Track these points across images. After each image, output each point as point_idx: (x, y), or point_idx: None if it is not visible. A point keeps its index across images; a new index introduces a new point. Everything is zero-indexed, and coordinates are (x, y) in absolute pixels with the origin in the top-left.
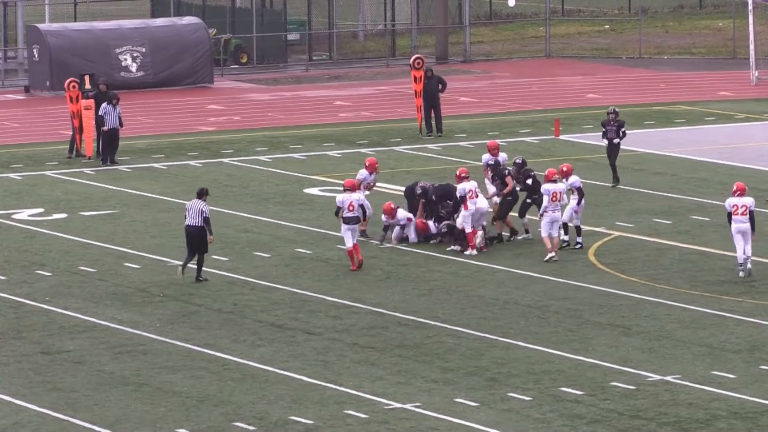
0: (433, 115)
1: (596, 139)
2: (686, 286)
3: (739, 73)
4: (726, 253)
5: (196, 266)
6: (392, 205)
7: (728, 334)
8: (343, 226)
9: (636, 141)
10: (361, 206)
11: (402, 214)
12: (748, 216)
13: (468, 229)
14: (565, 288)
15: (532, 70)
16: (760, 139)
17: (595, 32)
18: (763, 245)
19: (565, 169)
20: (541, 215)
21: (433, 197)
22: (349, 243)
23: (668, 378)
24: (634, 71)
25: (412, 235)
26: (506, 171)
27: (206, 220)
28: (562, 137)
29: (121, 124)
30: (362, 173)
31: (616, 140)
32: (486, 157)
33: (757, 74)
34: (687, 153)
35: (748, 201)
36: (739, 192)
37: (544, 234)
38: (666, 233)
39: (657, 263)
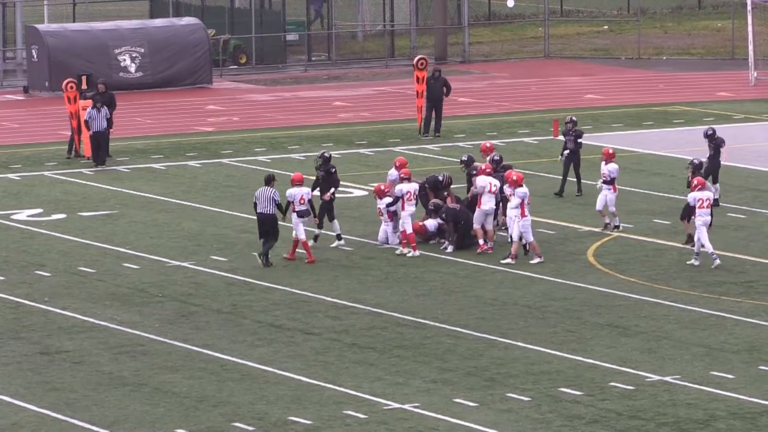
0: (434, 115)
1: (594, 139)
2: (685, 286)
3: (738, 74)
4: (725, 253)
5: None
6: (382, 186)
7: (727, 335)
8: (295, 219)
9: (635, 141)
10: (310, 201)
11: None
12: (710, 209)
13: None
14: (564, 288)
15: (530, 71)
16: (759, 140)
17: (593, 33)
18: (763, 245)
19: (515, 177)
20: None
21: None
22: (302, 235)
23: (667, 378)
24: (632, 72)
25: (393, 238)
26: (473, 172)
27: (279, 206)
28: (560, 138)
29: (110, 126)
30: (392, 173)
31: (576, 150)
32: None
33: (755, 75)
34: (686, 153)
35: (710, 195)
36: (700, 186)
37: (531, 238)
38: (665, 234)
39: (656, 264)
